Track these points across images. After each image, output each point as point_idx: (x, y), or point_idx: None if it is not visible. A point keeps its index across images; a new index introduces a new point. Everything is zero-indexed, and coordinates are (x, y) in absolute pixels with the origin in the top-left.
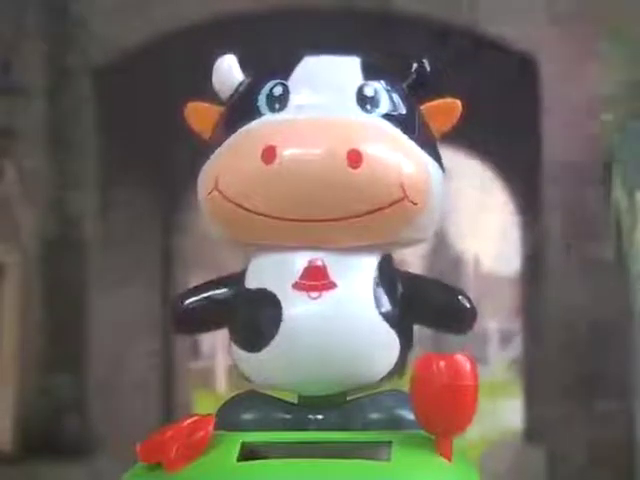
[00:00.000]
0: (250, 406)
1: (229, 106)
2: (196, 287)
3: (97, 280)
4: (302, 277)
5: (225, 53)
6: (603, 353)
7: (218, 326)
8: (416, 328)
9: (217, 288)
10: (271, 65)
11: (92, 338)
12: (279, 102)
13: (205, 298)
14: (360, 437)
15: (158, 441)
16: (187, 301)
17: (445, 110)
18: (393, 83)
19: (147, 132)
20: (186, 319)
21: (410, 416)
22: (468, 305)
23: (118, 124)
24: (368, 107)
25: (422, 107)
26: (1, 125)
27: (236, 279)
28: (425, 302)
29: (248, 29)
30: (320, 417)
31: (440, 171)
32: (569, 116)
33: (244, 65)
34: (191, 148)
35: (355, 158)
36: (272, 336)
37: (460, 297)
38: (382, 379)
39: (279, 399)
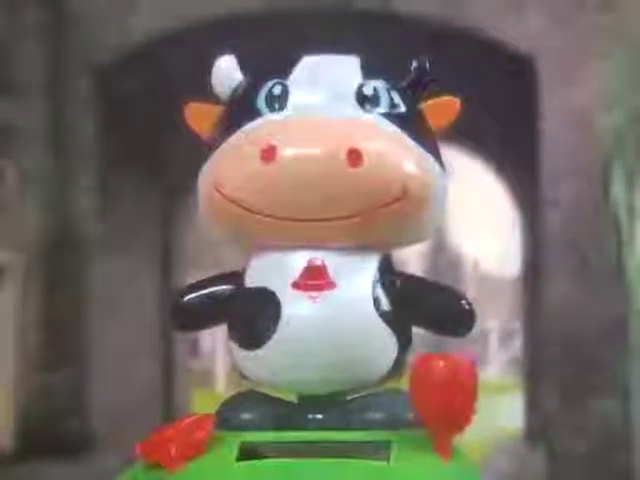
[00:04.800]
0: (249, 406)
1: (229, 106)
2: (196, 283)
3: (97, 280)
4: (302, 277)
5: (225, 53)
6: (602, 353)
7: (217, 323)
8: (416, 328)
9: (217, 285)
10: (270, 65)
11: (92, 338)
12: (278, 102)
13: (204, 295)
14: (360, 437)
15: (158, 440)
16: (186, 297)
17: (444, 108)
18: (392, 82)
19: (147, 132)
20: (185, 315)
21: (410, 416)
22: (467, 308)
23: (118, 124)
24: (368, 106)
25: (421, 105)
26: (1, 125)
27: (236, 277)
28: (424, 304)
29: (248, 29)
30: (320, 417)
31: (441, 169)
32: (569, 116)
33: (243, 65)
34: (191, 148)
35: (355, 157)
36: (270, 334)
37: (459, 300)
38: (381, 379)
39: (278, 399)
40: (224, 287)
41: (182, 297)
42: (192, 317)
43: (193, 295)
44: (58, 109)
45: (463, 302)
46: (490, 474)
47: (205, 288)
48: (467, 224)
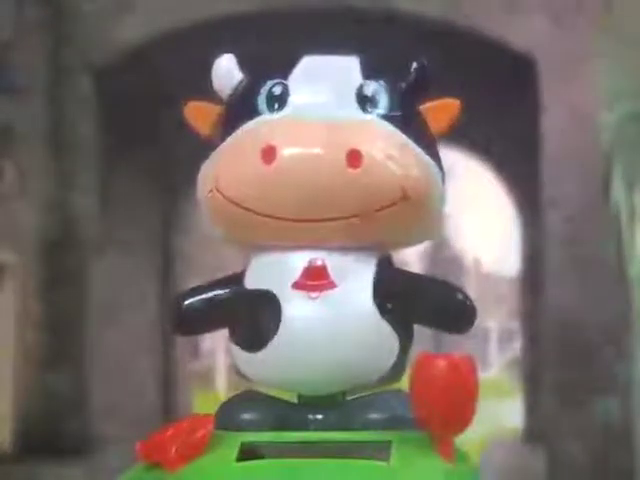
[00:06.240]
0: (249, 406)
1: (229, 105)
2: (196, 288)
3: (97, 280)
4: (302, 277)
5: (224, 53)
6: (602, 354)
7: (218, 327)
8: (416, 328)
9: (217, 289)
10: (270, 65)
11: (92, 338)
12: (278, 102)
13: (205, 299)
14: (360, 437)
15: (158, 440)
16: (187, 302)
17: (444, 110)
18: (392, 83)
19: (147, 131)
20: (186, 320)
21: (410, 416)
22: (467, 302)
23: (118, 124)
24: (368, 107)
25: (421, 107)
26: (1, 125)
27: (236, 279)
28: (424, 299)
29: (247, 29)
30: (320, 417)
31: (440, 171)
32: (569, 116)
33: (243, 65)
34: (191, 147)
35: (355, 158)
36: (272, 336)
37: (459, 294)
38: (382, 379)
39: (279, 399)
40: (224, 290)
41: (182, 302)
42: (193, 322)
43: (193, 299)
44: (58, 109)
45: (463, 297)
46: (490, 475)
47: (205, 292)
48: (467, 224)
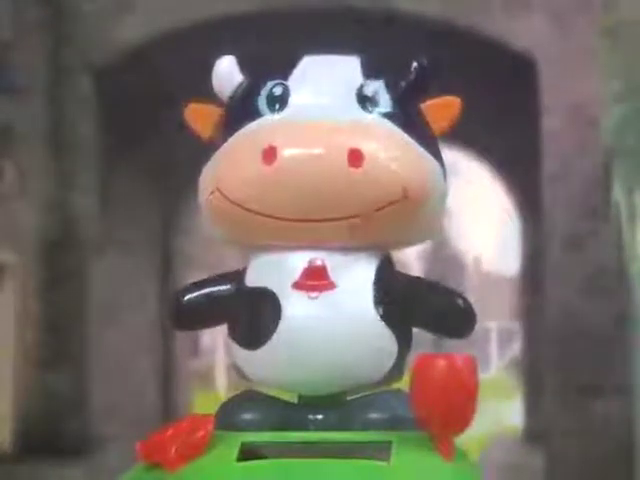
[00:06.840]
0: (250, 406)
1: (229, 107)
2: (196, 283)
3: (97, 280)
4: (302, 277)
5: (224, 53)
6: (602, 353)
7: (217, 322)
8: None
9: (217, 285)
10: (270, 65)
11: (92, 338)
12: (279, 102)
13: (205, 294)
14: (360, 437)
15: (158, 440)
16: (187, 297)
17: (445, 108)
18: (393, 82)
19: (147, 132)
20: (185, 314)
21: (410, 416)
22: (467, 308)
23: (118, 124)
24: (368, 106)
25: (422, 105)
26: (1, 125)
27: (237, 277)
28: (424, 304)
29: (247, 29)
30: (320, 417)
31: (441, 169)
32: (569, 116)
33: (243, 65)
34: (191, 148)
35: (356, 157)
36: (270, 334)
37: (459, 300)
38: (381, 379)
39: (279, 399)
40: (224, 287)
41: (182, 297)
42: (192, 317)
43: (193, 295)
44: (58, 109)
45: (464, 303)
46: (489, 474)
47: (205, 288)
48: (467, 224)
